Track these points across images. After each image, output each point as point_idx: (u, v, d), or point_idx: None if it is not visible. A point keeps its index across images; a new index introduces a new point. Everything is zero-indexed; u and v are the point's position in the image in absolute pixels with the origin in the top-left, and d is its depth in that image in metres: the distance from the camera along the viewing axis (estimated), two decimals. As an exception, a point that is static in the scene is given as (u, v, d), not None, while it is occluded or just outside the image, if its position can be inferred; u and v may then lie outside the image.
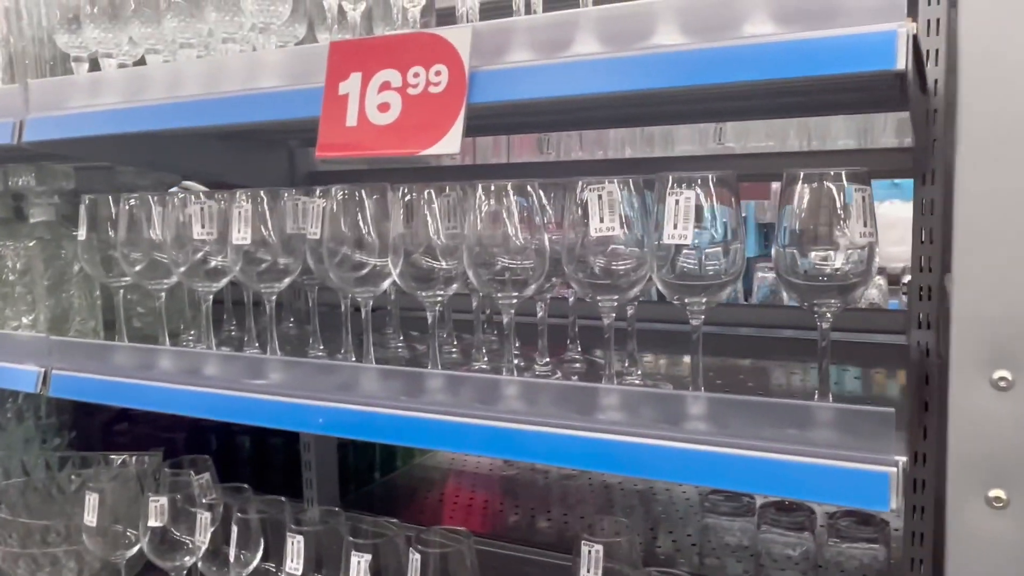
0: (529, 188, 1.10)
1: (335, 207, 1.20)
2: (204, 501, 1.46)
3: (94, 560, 1.67)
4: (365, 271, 1.21)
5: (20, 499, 1.66)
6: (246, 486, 1.51)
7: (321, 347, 1.41)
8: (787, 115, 1.70)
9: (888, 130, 1.77)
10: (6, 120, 1.45)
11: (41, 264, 1.57)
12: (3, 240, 1.60)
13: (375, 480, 2.39)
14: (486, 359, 1.29)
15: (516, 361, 1.25)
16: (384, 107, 1.06)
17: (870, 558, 1.63)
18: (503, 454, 1.11)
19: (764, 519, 1.70)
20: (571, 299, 1.32)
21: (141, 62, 1.49)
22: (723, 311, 1.93)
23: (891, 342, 1.53)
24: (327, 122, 1.11)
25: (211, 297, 1.41)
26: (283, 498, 1.44)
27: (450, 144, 1.00)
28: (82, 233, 1.45)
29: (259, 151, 1.94)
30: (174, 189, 1.83)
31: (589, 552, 1.22)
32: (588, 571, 1.22)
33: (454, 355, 1.42)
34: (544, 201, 1.14)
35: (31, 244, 1.57)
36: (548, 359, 1.23)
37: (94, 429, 2.36)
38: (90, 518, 1.54)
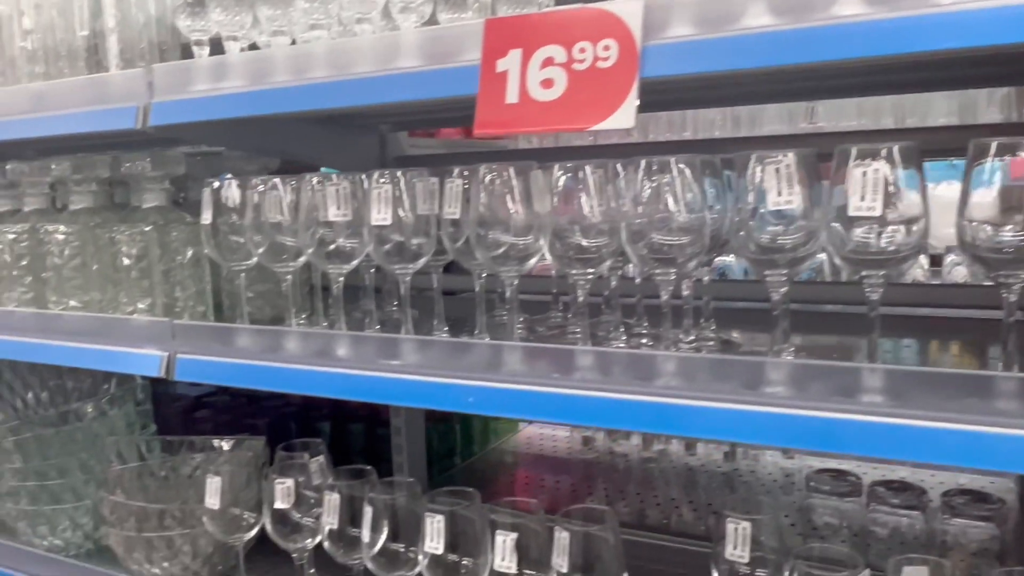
0: (682, 164, 1.10)
1: (481, 186, 1.21)
2: (329, 482, 1.48)
3: (208, 544, 1.70)
4: (512, 250, 1.22)
5: (135, 483, 1.68)
6: (369, 467, 1.53)
7: (446, 328, 1.43)
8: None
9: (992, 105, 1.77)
10: (130, 105, 1.47)
11: (157, 249, 1.58)
12: (117, 226, 1.61)
13: (455, 464, 2.41)
14: (623, 336, 1.30)
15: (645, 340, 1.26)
16: (548, 83, 1.07)
17: (985, 536, 1.64)
18: (663, 429, 1.13)
19: (873, 498, 1.71)
20: (706, 279, 1.33)
21: (252, 47, 1.50)
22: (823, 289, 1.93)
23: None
24: (485, 100, 1.11)
25: (341, 280, 1.42)
26: (410, 479, 1.46)
27: (623, 118, 1.01)
28: (206, 217, 1.47)
29: (352, 136, 1.96)
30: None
31: (736, 529, 1.23)
32: (735, 548, 1.23)
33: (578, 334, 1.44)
34: (694, 176, 1.14)
35: (147, 229, 1.59)
36: (692, 336, 1.24)
37: (173, 417, 2.39)
38: (212, 501, 1.56)
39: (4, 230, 1.72)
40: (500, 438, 2.60)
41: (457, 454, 2.41)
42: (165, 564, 1.68)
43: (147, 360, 1.52)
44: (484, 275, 1.38)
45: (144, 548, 1.67)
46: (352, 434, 2.41)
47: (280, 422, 2.37)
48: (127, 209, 1.71)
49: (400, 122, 1.99)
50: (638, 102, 1.01)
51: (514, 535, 1.28)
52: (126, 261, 1.60)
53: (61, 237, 1.64)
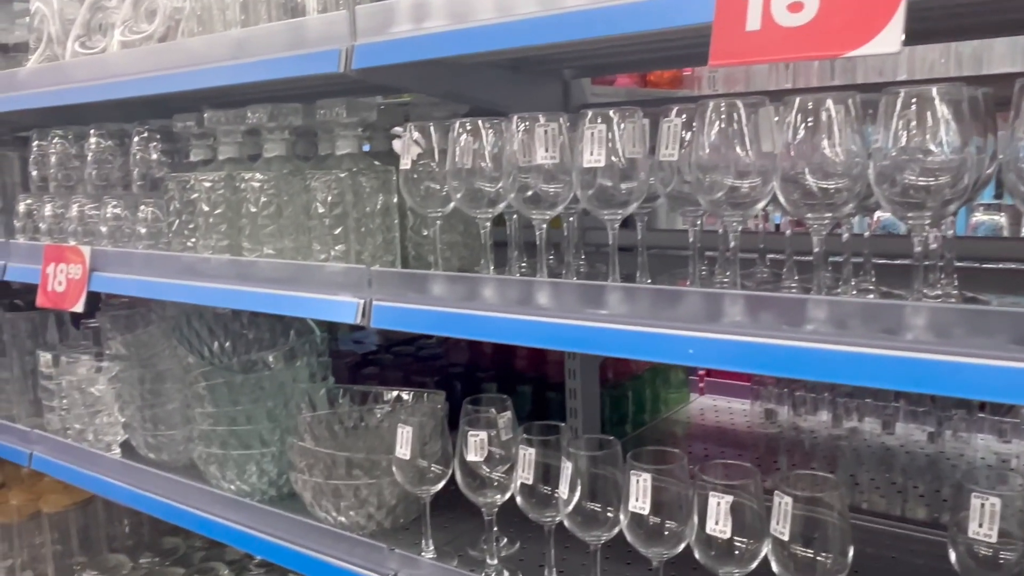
0: (944, 100, 1.04)
1: (705, 124, 1.19)
2: (524, 436, 1.51)
3: (392, 496, 1.77)
4: (736, 195, 1.19)
5: (325, 431, 1.77)
6: (562, 424, 1.55)
7: (648, 279, 1.42)
8: None
9: None
10: (332, 48, 1.52)
11: (351, 196, 1.65)
12: (312, 172, 1.69)
13: (627, 434, 2.41)
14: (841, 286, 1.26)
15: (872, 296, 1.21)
16: (796, 7, 1.03)
17: None
18: (916, 387, 1.08)
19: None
20: (867, 233, 1.27)
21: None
22: None
23: None
24: (721, 27, 1.09)
25: (544, 227, 1.43)
26: (610, 436, 1.46)
27: (887, 42, 0.96)
28: (405, 161, 1.51)
29: (537, 83, 1.97)
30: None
31: (983, 505, 1.16)
32: (981, 525, 1.16)
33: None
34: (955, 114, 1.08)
35: (342, 176, 1.65)
36: (937, 290, 1.18)
37: (339, 374, 2.50)
38: (402, 451, 1.62)
39: (201, 178, 1.83)
40: (671, 408, 2.57)
41: (629, 422, 2.41)
42: (351, 513, 1.77)
43: (344, 307, 1.59)
44: (699, 223, 1.36)
45: (331, 496, 1.76)
46: (520, 396, 2.44)
47: (446, 382, 2.44)
48: (317, 158, 1.79)
49: (586, 67, 1.98)
50: (904, 23, 0.96)
51: (728, 498, 1.26)
52: (320, 208, 1.68)
53: (256, 185, 1.74)
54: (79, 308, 2.09)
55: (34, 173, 2.33)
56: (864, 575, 1.55)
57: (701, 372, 2.93)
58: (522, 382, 2.40)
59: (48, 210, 2.27)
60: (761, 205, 1.20)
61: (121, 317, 2.25)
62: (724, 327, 1.19)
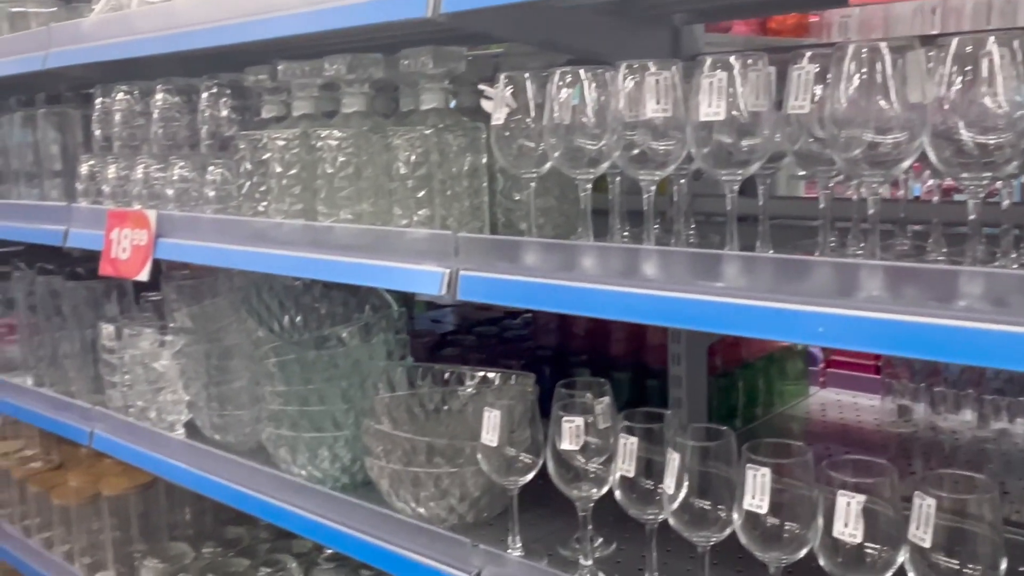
0: None
1: (842, 71, 1.16)
2: (624, 424, 1.51)
3: (475, 487, 1.80)
4: (878, 152, 1.16)
5: (404, 414, 1.80)
6: (667, 412, 1.54)
7: (770, 248, 1.40)
8: None
9: None
10: (419, -10, 1.54)
11: (436, 155, 1.67)
12: (394, 129, 1.71)
13: (737, 429, 2.37)
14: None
15: None
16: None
17: None
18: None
19: None
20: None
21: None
22: None
23: None
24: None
25: (653, 189, 1.43)
26: (722, 426, 1.45)
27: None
28: (498, 116, 1.52)
29: (643, 29, 1.95)
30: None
31: None
32: None
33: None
34: None
35: (427, 132, 1.67)
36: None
37: (417, 354, 2.54)
38: (489, 437, 1.64)
39: (273, 136, 1.88)
40: (787, 402, 2.54)
41: (738, 416, 2.38)
42: (431, 504, 1.80)
43: (427, 277, 1.61)
44: (831, 184, 1.33)
45: (410, 485, 1.79)
46: (616, 384, 2.43)
47: (533, 367, 2.45)
48: (399, 114, 1.82)
49: (701, 10, 1.96)
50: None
51: (860, 498, 1.24)
52: (402, 169, 1.70)
53: (334, 143, 1.77)
54: (144, 277, 2.17)
55: (97, 132, 2.43)
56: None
57: (822, 363, 2.88)
58: (618, 368, 2.40)
59: (112, 172, 2.37)
60: (906, 164, 1.17)
61: (187, 287, 2.34)
62: (860, 303, 1.16)
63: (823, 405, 2.53)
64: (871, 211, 1.26)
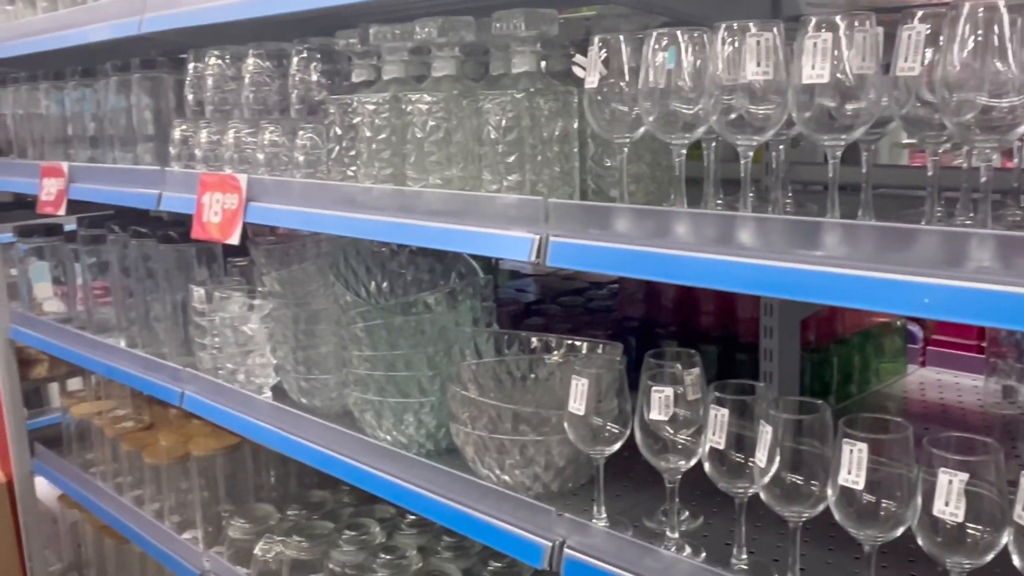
0: None
1: (957, 30, 1.14)
2: (715, 396, 1.51)
3: (560, 456, 1.82)
4: (994, 114, 1.14)
5: (490, 380, 1.84)
6: (760, 384, 1.54)
7: (872, 216, 1.38)
8: None
9: None
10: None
11: (527, 119, 1.68)
12: (485, 93, 1.73)
13: (830, 406, 2.35)
14: None
15: None
16: None
17: None
18: None
19: None
20: None
21: None
22: None
23: None
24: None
25: (751, 155, 1.42)
26: (817, 400, 1.44)
27: None
28: (591, 80, 1.53)
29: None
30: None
31: None
32: None
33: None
34: None
35: (518, 96, 1.69)
36: None
37: (504, 322, 2.57)
38: (576, 405, 1.66)
39: (364, 100, 1.92)
40: (883, 380, 2.49)
41: (832, 393, 2.35)
42: (516, 472, 1.83)
43: (517, 243, 1.63)
44: (940, 151, 1.31)
45: (495, 452, 1.83)
46: (704, 357, 2.42)
47: (619, 337, 2.46)
48: (489, 78, 1.83)
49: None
50: None
51: (963, 476, 1.23)
52: (492, 134, 1.72)
53: (424, 107, 1.80)
54: (234, 240, 2.24)
55: (190, 97, 2.51)
56: None
57: (921, 342, 2.82)
58: (707, 341, 2.39)
59: (203, 136, 2.44)
60: (1022, 130, 1.14)
61: (275, 251, 2.40)
62: (968, 273, 1.14)
63: (922, 384, 2.48)
64: (983, 179, 1.23)
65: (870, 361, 2.45)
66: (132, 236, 2.88)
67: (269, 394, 2.48)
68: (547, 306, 2.78)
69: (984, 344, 2.44)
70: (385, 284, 2.28)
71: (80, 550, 3.69)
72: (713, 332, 2.45)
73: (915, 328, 3.24)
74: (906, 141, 2.86)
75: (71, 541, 3.77)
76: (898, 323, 2.55)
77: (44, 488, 3.82)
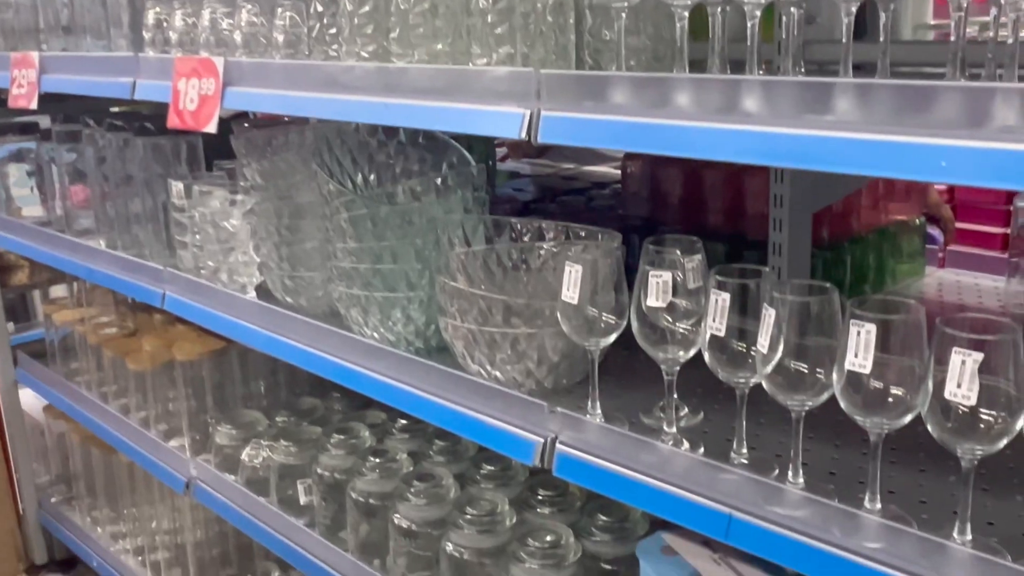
0: None
1: None
2: (717, 279, 1.46)
3: (554, 351, 1.79)
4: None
5: (480, 270, 1.79)
6: (764, 268, 1.49)
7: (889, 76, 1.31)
8: None
9: None
10: None
11: (519, -14, 1.61)
12: (473, -42, 1.65)
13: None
14: None
15: None
16: None
17: None
18: None
19: None
20: None
21: None
22: None
23: None
24: None
25: (758, 14, 1.35)
26: (825, 283, 1.40)
27: None
28: (587, -63, 1.45)
29: None
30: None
31: None
32: None
33: None
34: None
35: (510, -40, 1.61)
36: None
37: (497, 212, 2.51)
38: (570, 293, 1.62)
39: (345, -29, 1.84)
40: (899, 281, 2.44)
41: (844, 293, 2.30)
42: (508, 367, 1.80)
43: (506, 118, 1.57)
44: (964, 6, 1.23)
45: (486, 346, 1.79)
46: (711, 255, 2.38)
47: (622, 236, 2.42)
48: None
49: None
50: None
51: (977, 355, 1.18)
52: (481, 3, 1.64)
53: (408, -25, 1.72)
54: (212, 128, 2.18)
55: (164, -23, 2.42)
56: None
57: (941, 245, 2.76)
58: (714, 238, 2.33)
59: (178, 19, 2.36)
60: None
61: (257, 140, 2.34)
62: (990, 133, 1.08)
63: (940, 285, 2.44)
64: (1011, 40, 1.16)
65: (886, 261, 2.40)
66: (108, 130, 2.82)
67: (253, 293, 2.44)
68: (546, 205, 2.73)
69: (1009, 241, 2.39)
70: (372, 176, 2.22)
71: (68, 462, 3.71)
72: (721, 230, 2.40)
73: (935, 232, 3.18)
74: (931, 22, 2.76)
75: (58, 453, 3.80)
76: (917, 222, 2.50)
77: (30, 400, 3.83)
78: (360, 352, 2.05)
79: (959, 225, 3.88)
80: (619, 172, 2.85)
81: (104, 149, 2.86)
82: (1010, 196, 3.58)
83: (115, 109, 3.30)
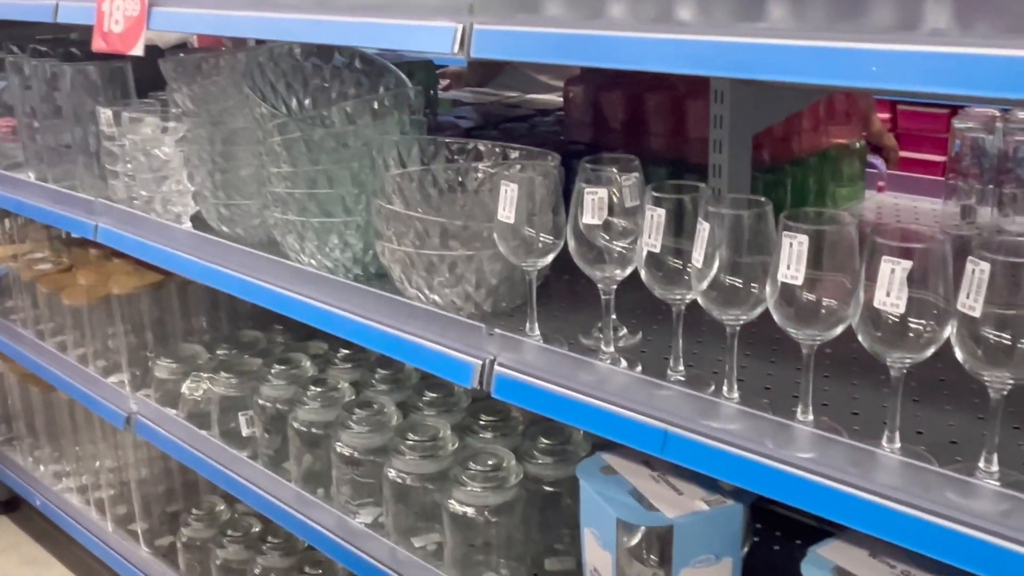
0: None
1: None
2: (653, 195, 1.45)
3: (493, 274, 1.77)
4: None
5: (416, 192, 1.76)
6: (701, 184, 1.48)
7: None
8: None
9: None
10: None
11: None
12: None
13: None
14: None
15: None
16: None
17: None
18: None
19: None
20: None
21: None
22: None
23: None
24: None
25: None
26: (760, 197, 1.39)
27: None
28: None
29: None
30: None
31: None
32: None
33: None
34: None
35: None
36: None
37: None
38: (506, 213, 1.60)
39: None
40: (839, 204, 2.46)
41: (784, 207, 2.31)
42: (446, 291, 1.78)
43: (438, 33, 1.53)
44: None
45: (423, 270, 1.77)
46: (652, 179, 2.38)
47: (564, 162, 2.40)
48: None
49: None
50: None
51: (906, 264, 1.19)
52: (412, -87, 1.60)
53: None
54: (138, 51, 2.11)
55: None
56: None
57: (884, 173, 2.78)
58: (657, 163, 2.33)
59: (102, -63, 2.27)
60: None
61: (187, 64, 2.27)
62: (922, 37, 1.07)
63: (879, 208, 2.45)
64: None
65: (826, 184, 2.41)
66: (33, 56, 2.72)
67: (189, 223, 2.39)
68: (488, 132, 2.69)
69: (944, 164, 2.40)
70: (308, 101, 2.16)
71: (7, 401, 3.64)
72: (664, 154, 2.39)
73: (878, 161, 3.20)
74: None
75: (-3, 393, 3.73)
76: (857, 145, 2.50)
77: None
78: (298, 280, 2.02)
79: (903, 154, 3.92)
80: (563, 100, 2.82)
81: (30, 78, 2.76)
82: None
83: (41, 36, 3.18)
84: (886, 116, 4.52)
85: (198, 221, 2.39)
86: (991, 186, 2.28)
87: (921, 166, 4.08)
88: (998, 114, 2.26)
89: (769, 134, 2.23)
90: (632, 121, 2.44)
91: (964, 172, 2.32)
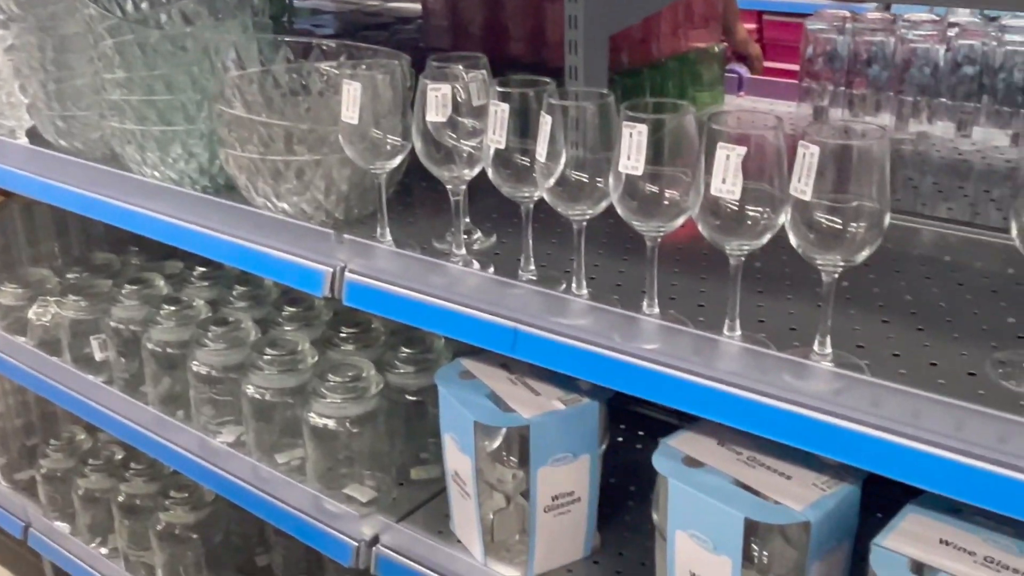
0: None
1: None
2: (499, 90, 1.42)
3: (343, 180, 1.72)
4: None
5: (258, 96, 1.69)
6: (547, 79, 1.45)
7: None
8: None
9: None
10: None
11: None
12: None
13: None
14: None
15: None
16: None
17: None
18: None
19: None
20: None
21: None
22: None
23: None
24: None
25: None
26: (602, 89, 1.37)
27: None
28: None
29: None
30: None
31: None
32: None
33: None
34: None
35: None
36: None
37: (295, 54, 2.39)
38: (349, 113, 1.54)
39: None
40: (698, 109, 2.46)
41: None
42: (294, 198, 1.73)
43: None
44: None
45: (270, 177, 1.71)
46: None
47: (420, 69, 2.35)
48: None
49: None
50: None
51: (740, 149, 1.19)
52: None
53: None
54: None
55: None
56: (932, 276, 1.54)
57: (741, 72, 2.81)
58: (516, 68, 2.29)
59: None
60: None
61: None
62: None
63: (739, 115, 2.47)
64: None
65: (685, 88, 2.42)
66: None
67: (25, 139, 2.26)
68: (345, 40, 2.60)
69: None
70: (145, 4, 2.04)
71: None
72: (523, 59, 2.36)
73: (742, 69, 3.23)
74: None
75: None
76: (716, 49, 2.51)
77: None
78: (142, 193, 1.94)
79: (769, 64, 3.97)
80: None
81: None
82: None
83: None
84: (752, 26, 4.56)
85: (35, 136, 2.26)
86: (842, 88, 2.33)
87: (786, 75, 4.14)
88: (848, 15, 2.30)
89: (627, 36, 2.22)
90: (491, 26, 2.40)
91: (817, 74, 2.36)
